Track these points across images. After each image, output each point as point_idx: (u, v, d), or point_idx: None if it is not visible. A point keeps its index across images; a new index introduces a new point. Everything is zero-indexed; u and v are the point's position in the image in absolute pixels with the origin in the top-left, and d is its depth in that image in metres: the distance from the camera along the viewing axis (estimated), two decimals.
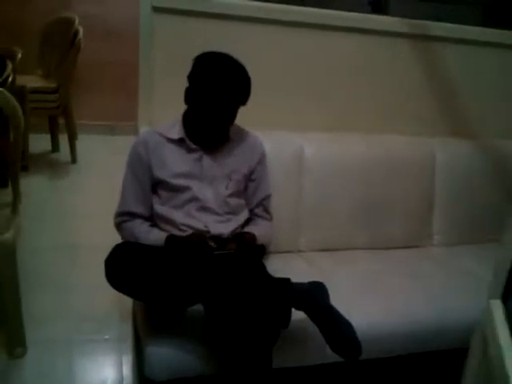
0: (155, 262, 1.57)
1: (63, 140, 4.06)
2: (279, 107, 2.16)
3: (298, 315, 1.53)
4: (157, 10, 1.91)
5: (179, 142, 1.82)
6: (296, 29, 2.05)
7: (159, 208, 1.82)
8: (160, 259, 1.59)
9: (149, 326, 1.64)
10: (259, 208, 1.94)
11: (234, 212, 1.85)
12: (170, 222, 1.79)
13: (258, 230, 1.84)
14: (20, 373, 1.95)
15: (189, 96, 1.77)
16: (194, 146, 1.81)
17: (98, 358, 2.08)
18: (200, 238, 1.69)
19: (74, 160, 4.02)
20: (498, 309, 1.15)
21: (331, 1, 2.27)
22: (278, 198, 2.02)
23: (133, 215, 1.82)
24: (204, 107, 1.72)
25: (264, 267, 1.71)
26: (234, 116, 1.78)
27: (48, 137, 4.14)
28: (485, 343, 1.20)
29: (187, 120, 1.82)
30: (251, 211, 1.93)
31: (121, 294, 1.78)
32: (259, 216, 1.94)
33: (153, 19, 1.93)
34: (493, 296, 1.19)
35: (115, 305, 2.34)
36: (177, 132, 1.81)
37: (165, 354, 1.55)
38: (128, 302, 2.18)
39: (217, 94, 1.69)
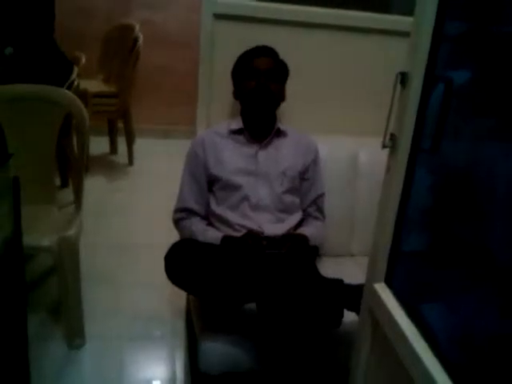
0: (212, 261, 1.61)
1: (121, 143, 4.21)
2: (333, 111, 2.17)
3: (349, 317, 1.54)
4: (218, 17, 1.97)
5: (237, 136, 1.90)
6: (349, 33, 2.07)
7: (216, 208, 1.88)
8: (216, 258, 1.64)
9: (204, 322, 1.69)
10: (312, 207, 1.96)
11: (288, 211, 1.88)
12: (225, 222, 1.85)
13: (311, 231, 1.86)
14: (77, 363, 2.05)
15: (236, 88, 1.93)
16: (251, 139, 1.89)
17: (150, 353, 2.15)
18: (253, 238, 1.73)
19: (131, 162, 4.15)
20: (385, 291, 1.18)
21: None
22: (333, 202, 2.04)
23: (190, 212, 1.89)
24: (249, 89, 1.84)
25: (316, 269, 1.73)
26: (278, 94, 1.88)
27: (107, 139, 4.29)
28: (374, 326, 1.22)
29: (243, 114, 1.93)
30: (305, 211, 1.96)
31: (173, 293, 1.85)
32: (312, 216, 1.97)
33: (214, 26, 1.99)
34: (375, 280, 1.21)
35: (168, 303, 2.42)
36: (236, 124, 1.91)
37: (218, 349, 1.60)
38: (180, 300, 2.26)
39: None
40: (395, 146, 1.10)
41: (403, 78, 1.06)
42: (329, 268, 1.88)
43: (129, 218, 3.26)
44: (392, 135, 1.10)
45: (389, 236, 1.14)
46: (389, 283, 1.17)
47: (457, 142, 1.12)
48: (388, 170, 1.14)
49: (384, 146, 1.10)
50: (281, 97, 1.91)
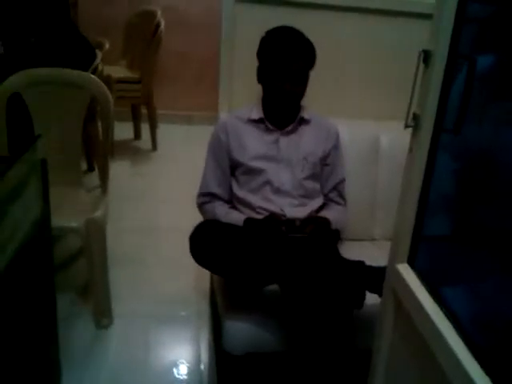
0: (235, 241, 1.64)
1: (145, 128, 4.25)
2: (355, 95, 2.17)
3: (371, 299, 1.55)
4: (239, 0, 1.98)
5: (257, 124, 1.89)
6: (371, 15, 2.05)
7: (238, 191, 1.90)
8: (239, 239, 1.66)
9: (228, 303, 1.73)
10: (333, 193, 1.97)
11: (309, 196, 1.89)
12: (247, 205, 1.87)
13: (332, 214, 1.87)
14: (105, 342, 2.11)
15: (261, 72, 1.86)
16: (271, 127, 1.88)
17: (176, 333, 2.20)
18: (275, 221, 1.75)
19: (154, 147, 4.19)
20: (408, 272, 1.18)
21: None
22: (354, 187, 2.04)
23: (213, 196, 1.91)
24: (276, 76, 1.80)
25: (338, 251, 1.74)
26: (305, 81, 1.84)
27: (131, 125, 4.34)
28: (397, 306, 1.22)
29: (264, 102, 1.90)
30: (326, 196, 1.97)
31: (198, 275, 1.87)
32: (333, 201, 1.97)
33: (235, 10, 1.99)
34: (399, 261, 1.21)
35: (192, 284, 2.47)
36: (256, 113, 1.89)
37: (242, 329, 1.63)
38: (204, 282, 2.30)
39: (285, 59, 1.77)
40: (418, 125, 1.10)
41: (426, 56, 1.06)
42: (351, 251, 1.88)
43: (153, 202, 3.31)
44: (415, 115, 1.10)
45: (412, 217, 1.15)
46: (412, 264, 1.18)
47: (480, 126, 1.12)
48: (411, 149, 1.14)
49: (407, 126, 1.10)
50: (305, 90, 1.87)
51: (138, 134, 4.38)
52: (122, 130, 4.22)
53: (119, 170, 3.66)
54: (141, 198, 3.34)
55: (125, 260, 2.59)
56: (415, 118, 1.10)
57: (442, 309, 1.04)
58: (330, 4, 2.01)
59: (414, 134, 1.12)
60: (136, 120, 4.32)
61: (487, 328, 1.04)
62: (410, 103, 1.09)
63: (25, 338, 1.46)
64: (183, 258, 1.79)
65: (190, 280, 2.48)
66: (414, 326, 1.10)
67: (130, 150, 4.20)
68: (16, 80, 2.17)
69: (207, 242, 1.65)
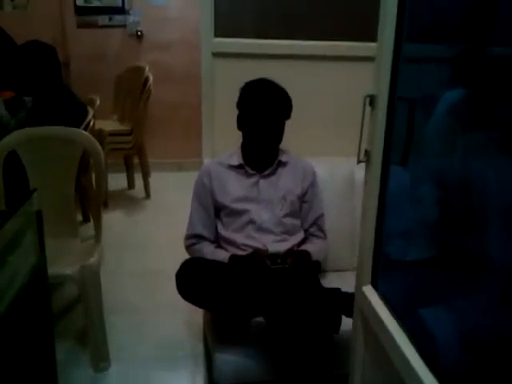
0: (220, 277, 1.75)
1: (138, 178, 4.40)
2: (322, 135, 2.31)
3: (348, 325, 1.64)
4: (216, 55, 2.15)
5: (238, 169, 2.03)
6: (333, 62, 2.22)
7: (222, 231, 2.02)
8: (225, 275, 1.78)
9: (216, 336, 1.83)
10: (313, 227, 2.09)
11: (289, 232, 2.01)
12: (232, 243, 1.99)
13: (312, 247, 1.99)
14: None
15: (240, 121, 2.00)
16: (251, 172, 2.02)
17: (172, 373, 2.26)
18: (259, 255, 1.87)
19: (147, 195, 4.33)
20: (372, 294, 1.28)
21: None
22: (333, 219, 2.17)
23: (200, 237, 2.03)
24: (255, 125, 1.94)
25: (318, 280, 1.85)
26: (281, 130, 1.99)
27: (124, 175, 4.49)
28: (365, 326, 1.32)
29: (244, 148, 2.05)
30: (306, 231, 2.09)
31: (192, 316, 1.96)
32: (314, 235, 2.09)
33: (213, 63, 2.17)
34: (363, 283, 1.32)
35: (187, 325, 2.54)
36: (236, 159, 2.03)
37: (231, 360, 1.72)
38: (199, 321, 2.38)
39: (263, 110, 1.92)
40: (369, 160, 1.23)
41: (371, 100, 1.21)
42: (332, 282, 1.99)
43: (147, 249, 3.41)
44: (366, 151, 1.24)
45: (371, 241, 1.27)
46: (375, 286, 1.29)
47: (455, 157, 1.24)
48: (365, 182, 1.27)
49: (359, 161, 1.24)
50: (282, 137, 2.01)
51: (131, 184, 4.52)
52: (116, 181, 4.37)
53: (114, 218, 3.80)
54: (136, 245, 3.45)
55: (121, 305, 2.68)
56: (367, 153, 1.24)
57: (401, 326, 1.15)
58: (296, 54, 2.19)
59: (367, 169, 1.26)
60: (129, 170, 4.47)
61: (444, 343, 1.15)
62: (360, 141, 1.23)
63: (24, 381, 1.55)
64: (178, 301, 1.89)
65: (185, 321, 2.56)
66: (379, 341, 1.20)
67: (124, 199, 4.34)
68: (12, 139, 2.31)
69: (193, 278, 1.77)
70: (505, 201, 1.02)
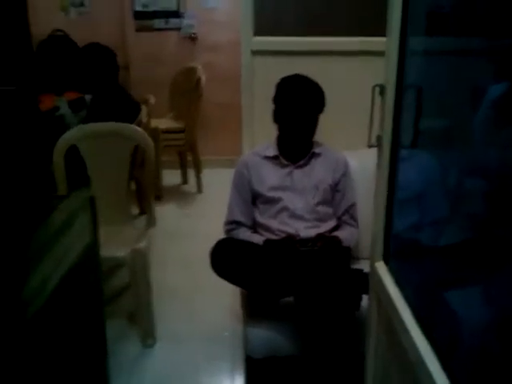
0: (254, 257, 1.90)
1: (191, 174, 4.62)
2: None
3: None
4: (255, 53, 2.29)
5: (273, 160, 2.16)
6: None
7: (259, 218, 2.16)
8: (258, 255, 1.92)
9: (249, 313, 1.97)
10: (346, 215, 2.19)
11: (321, 219, 2.12)
12: (267, 229, 2.12)
13: (343, 234, 2.09)
14: (150, 359, 2.38)
15: (276, 115, 2.13)
16: (285, 162, 2.14)
17: (214, 349, 2.43)
18: (290, 240, 1.99)
19: (199, 190, 4.54)
20: (382, 269, 1.35)
21: None
22: (365, 208, 2.24)
23: (238, 223, 2.18)
24: (290, 119, 2.08)
25: (347, 264, 1.95)
26: (315, 123, 2.11)
27: (179, 172, 4.72)
28: (378, 302, 1.39)
29: (279, 140, 2.18)
30: (339, 219, 2.19)
31: (234, 299, 2.12)
32: (346, 223, 2.19)
33: (252, 61, 2.31)
34: (376, 259, 1.38)
35: (229, 308, 2.70)
36: (272, 151, 2.16)
37: (261, 335, 1.86)
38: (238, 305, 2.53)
39: (298, 105, 2.05)
40: (381, 144, 1.33)
41: (381, 90, 1.31)
42: (365, 269, 2.08)
43: (196, 238, 3.60)
44: (378, 136, 1.34)
45: (382, 220, 1.37)
46: (386, 261, 1.39)
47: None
48: (378, 165, 1.37)
49: (370, 146, 1.34)
50: (315, 130, 2.13)
51: (185, 179, 4.75)
52: (171, 176, 4.61)
53: (168, 211, 4.03)
54: (185, 235, 3.65)
55: (169, 288, 2.88)
56: (378, 139, 1.34)
57: (405, 298, 1.24)
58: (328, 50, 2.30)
59: (379, 152, 1.36)
60: (183, 166, 4.70)
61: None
62: (370, 128, 1.33)
63: (77, 352, 1.72)
64: (221, 286, 2.06)
65: (228, 304, 2.72)
66: (387, 313, 1.30)
67: (177, 194, 4.57)
68: (73, 134, 2.55)
69: (228, 256, 1.92)
70: None
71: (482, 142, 1.34)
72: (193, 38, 4.88)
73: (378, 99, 1.33)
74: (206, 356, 2.39)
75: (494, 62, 1.29)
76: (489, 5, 1.18)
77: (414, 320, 1.17)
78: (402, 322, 1.17)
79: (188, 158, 4.61)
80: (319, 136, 2.20)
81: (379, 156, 1.35)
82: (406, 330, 1.15)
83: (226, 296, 2.67)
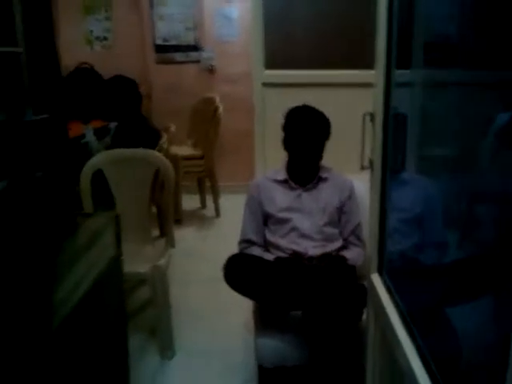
0: (265, 272, 2.06)
1: (210, 199, 4.82)
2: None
3: None
4: (266, 85, 2.49)
5: (283, 183, 2.33)
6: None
7: (270, 237, 2.32)
8: (269, 271, 2.08)
9: (260, 324, 2.12)
10: (351, 236, 2.34)
11: (328, 239, 2.28)
12: (277, 247, 2.28)
13: (349, 253, 2.24)
14: (169, 371, 2.52)
15: (285, 142, 2.31)
16: (294, 186, 2.31)
17: (229, 360, 2.57)
18: (298, 257, 2.15)
19: (217, 214, 4.73)
20: (377, 280, 1.47)
21: None
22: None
23: (251, 242, 2.34)
24: (298, 146, 2.25)
25: (353, 281, 2.09)
26: (321, 149, 2.28)
27: (197, 196, 4.92)
28: (374, 309, 1.49)
29: (288, 165, 2.35)
30: (345, 240, 2.34)
31: (248, 315, 2.28)
32: (352, 243, 2.33)
33: (263, 92, 2.51)
34: (372, 271, 1.51)
35: (244, 323, 2.85)
36: (282, 175, 2.34)
37: (271, 344, 2.01)
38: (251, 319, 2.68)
39: (305, 133, 2.22)
40: (372, 167, 1.50)
41: (371, 117, 1.48)
42: None
43: (213, 259, 3.73)
44: (370, 160, 1.51)
45: (376, 236, 1.52)
46: (380, 273, 1.54)
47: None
48: (371, 186, 1.53)
49: (362, 168, 1.51)
50: (322, 156, 2.30)
51: (203, 204, 4.94)
52: (191, 201, 4.82)
53: (187, 233, 4.22)
54: (203, 256, 3.82)
55: (187, 305, 3.05)
56: (371, 162, 1.51)
57: (396, 306, 1.38)
58: (332, 82, 2.49)
59: (372, 174, 1.52)
60: (201, 192, 4.90)
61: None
62: (362, 152, 1.50)
63: (100, 364, 1.85)
64: (236, 303, 2.21)
65: (243, 320, 2.87)
66: (381, 321, 1.44)
67: (196, 218, 4.76)
68: (98, 159, 2.76)
69: (240, 269, 2.08)
70: None
71: (482, 168, 1.47)
72: (211, 70, 5.14)
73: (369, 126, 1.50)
74: (221, 367, 2.52)
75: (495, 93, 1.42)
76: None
77: (403, 326, 1.30)
78: (392, 328, 1.31)
79: (206, 183, 4.82)
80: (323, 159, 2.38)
81: (372, 178, 1.51)
82: (395, 334, 1.28)
83: (240, 312, 2.84)
